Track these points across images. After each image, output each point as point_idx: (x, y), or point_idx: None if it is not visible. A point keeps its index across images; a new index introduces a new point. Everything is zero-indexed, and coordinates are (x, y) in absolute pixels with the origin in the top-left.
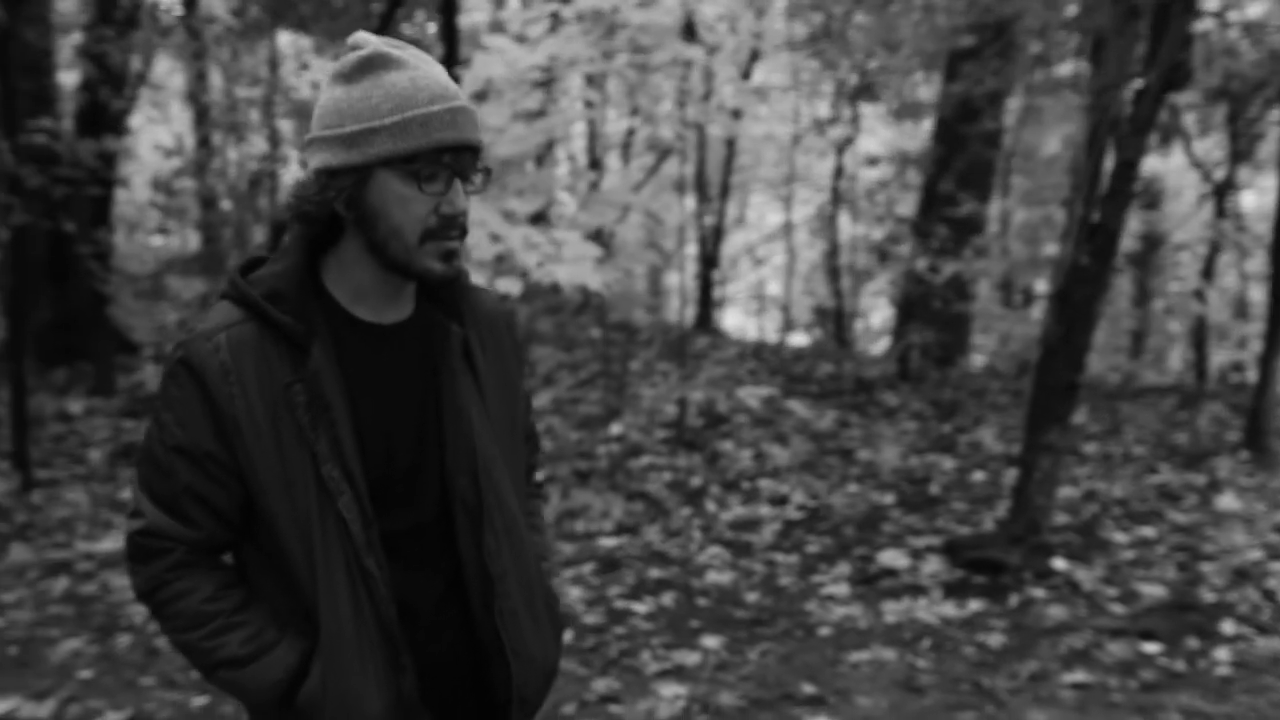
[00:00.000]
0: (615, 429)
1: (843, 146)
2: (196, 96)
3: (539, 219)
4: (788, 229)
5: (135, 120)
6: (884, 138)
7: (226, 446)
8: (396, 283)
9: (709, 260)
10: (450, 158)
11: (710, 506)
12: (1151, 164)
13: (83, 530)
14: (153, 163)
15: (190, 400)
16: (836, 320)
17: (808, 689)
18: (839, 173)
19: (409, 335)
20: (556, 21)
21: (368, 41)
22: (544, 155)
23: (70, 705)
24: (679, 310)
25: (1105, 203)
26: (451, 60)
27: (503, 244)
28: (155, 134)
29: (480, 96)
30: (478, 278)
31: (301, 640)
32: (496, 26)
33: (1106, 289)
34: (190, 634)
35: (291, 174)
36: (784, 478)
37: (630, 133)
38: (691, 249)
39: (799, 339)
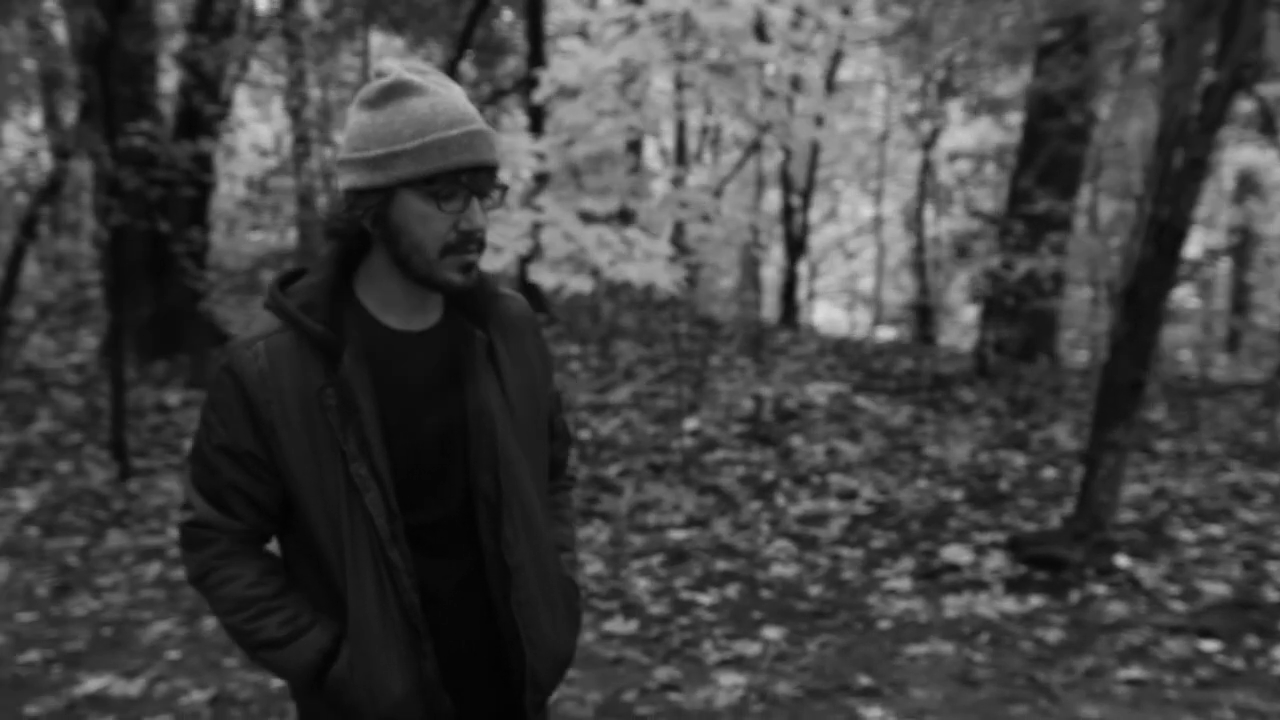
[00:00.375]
0: (691, 424)
1: (929, 142)
2: (292, 96)
3: (625, 218)
4: (878, 223)
5: (235, 119)
6: (976, 132)
7: (264, 446)
8: (421, 293)
9: (794, 255)
10: (467, 178)
11: (780, 500)
12: (1249, 157)
13: (176, 518)
14: (252, 161)
15: (232, 404)
16: (922, 316)
17: (864, 680)
18: (925, 168)
19: (435, 341)
20: (631, 25)
21: (391, 70)
22: (633, 151)
23: (158, 684)
24: (766, 305)
25: (1173, 200)
26: (537, 59)
27: (575, 243)
28: (257, 132)
29: (562, 95)
30: (550, 276)
31: (333, 624)
32: (581, 32)
33: (1174, 286)
34: (234, 616)
35: None
36: (855, 473)
37: (705, 131)
38: (777, 245)
39: (888, 334)
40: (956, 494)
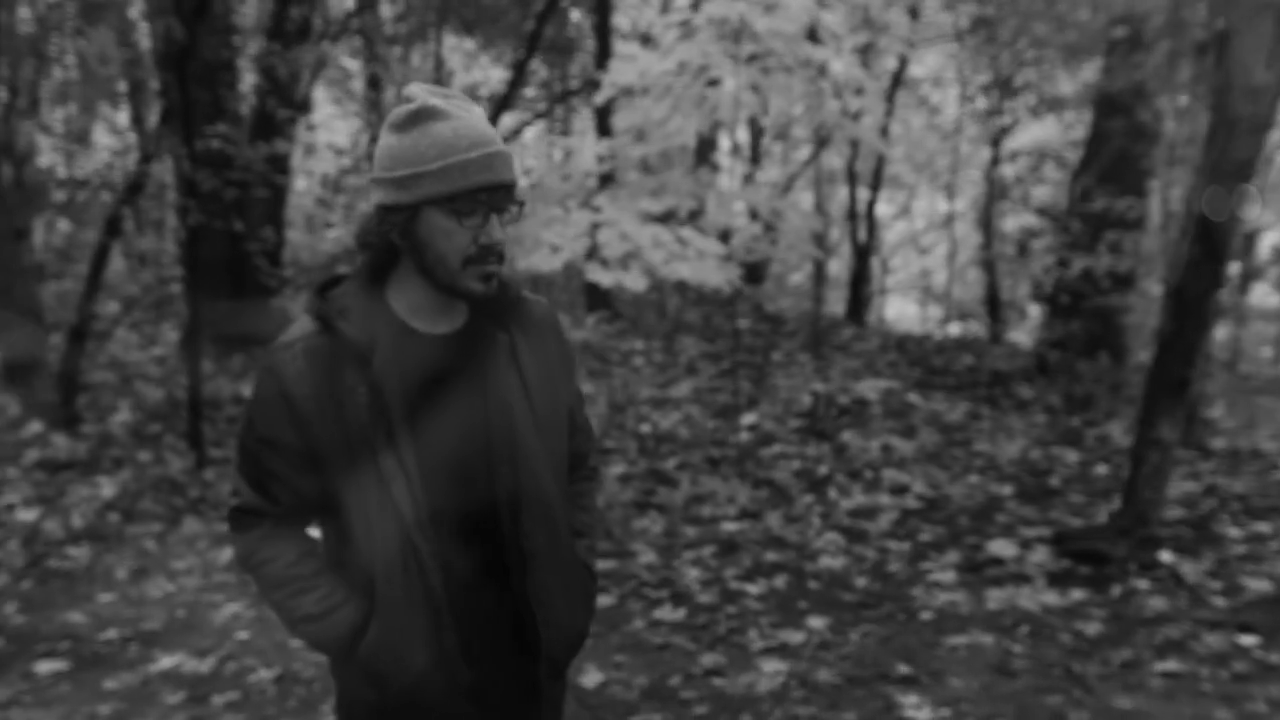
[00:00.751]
0: (750, 418)
1: (998, 138)
2: (369, 96)
3: (693, 216)
4: (950, 219)
5: (311, 120)
6: (1047, 130)
7: (302, 438)
8: (447, 299)
9: (860, 252)
10: (486, 196)
11: (832, 494)
12: None
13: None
14: (330, 159)
15: (273, 400)
16: (992, 312)
17: (903, 669)
18: (994, 164)
19: (460, 343)
20: (688, 29)
21: (416, 96)
22: (708, 148)
23: (228, 663)
24: (835, 301)
25: (1220, 200)
26: (604, 59)
27: (631, 242)
28: (335, 130)
29: (627, 95)
30: (606, 274)
31: (364, 602)
32: (644, 37)
33: (1221, 286)
34: (276, 593)
35: None
36: (908, 468)
37: (761, 132)
38: (847, 241)
39: (959, 330)
40: (1007, 489)
